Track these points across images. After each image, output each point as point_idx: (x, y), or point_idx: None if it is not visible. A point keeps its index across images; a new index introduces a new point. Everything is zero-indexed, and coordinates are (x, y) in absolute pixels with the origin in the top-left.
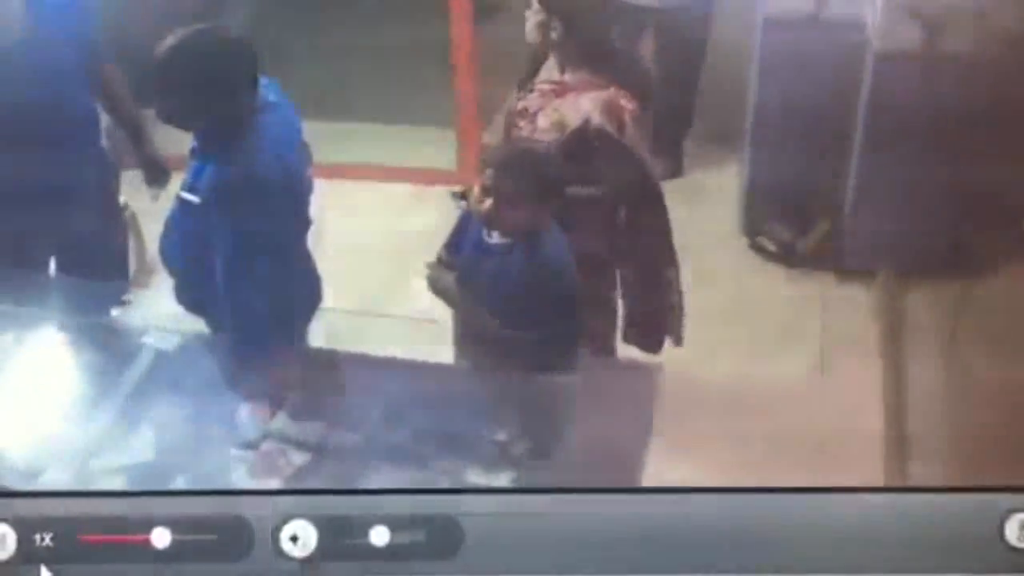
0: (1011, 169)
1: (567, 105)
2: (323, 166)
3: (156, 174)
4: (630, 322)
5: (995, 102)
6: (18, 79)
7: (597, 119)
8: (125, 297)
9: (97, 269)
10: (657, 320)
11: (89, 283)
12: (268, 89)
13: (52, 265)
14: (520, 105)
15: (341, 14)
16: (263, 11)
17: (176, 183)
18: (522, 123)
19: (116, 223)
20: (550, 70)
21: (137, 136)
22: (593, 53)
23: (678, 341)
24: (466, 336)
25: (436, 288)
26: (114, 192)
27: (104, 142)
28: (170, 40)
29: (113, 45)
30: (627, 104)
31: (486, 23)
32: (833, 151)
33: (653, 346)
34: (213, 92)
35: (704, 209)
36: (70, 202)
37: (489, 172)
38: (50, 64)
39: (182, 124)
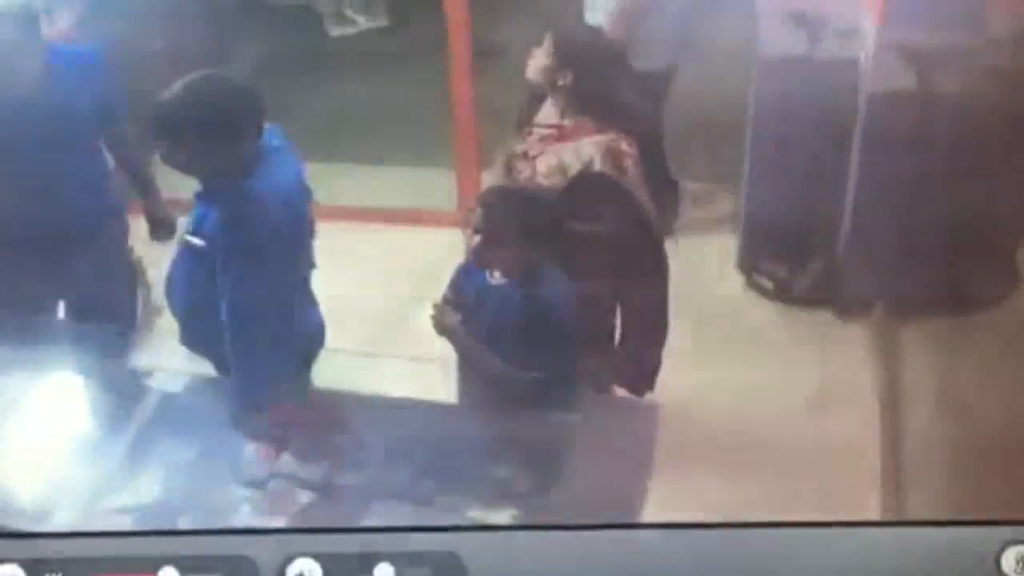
0: (1005, 206)
1: (568, 150)
2: (325, 209)
3: (161, 229)
4: (620, 363)
5: (988, 140)
6: (33, 129)
7: (599, 164)
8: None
9: (104, 315)
10: (645, 364)
11: (97, 328)
12: (271, 134)
13: (60, 310)
14: (519, 148)
15: (341, 59)
16: (265, 57)
17: (181, 227)
18: (521, 166)
19: (124, 272)
20: (548, 113)
21: (145, 191)
22: (598, 102)
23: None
24: (469, 375)
25: (441, 328)
26: (122, 241)
27: (112, 192)
28: (177, 85)
29: (121, 91)
30: (628, 149)
31: (485, 65)
32: (829, 189)
33: (640, 389)
34: (218, 137)
35: (700, 246)
36: (77, 250)
37: (477, 211)
38: (65, 116)
39: (187, 168)
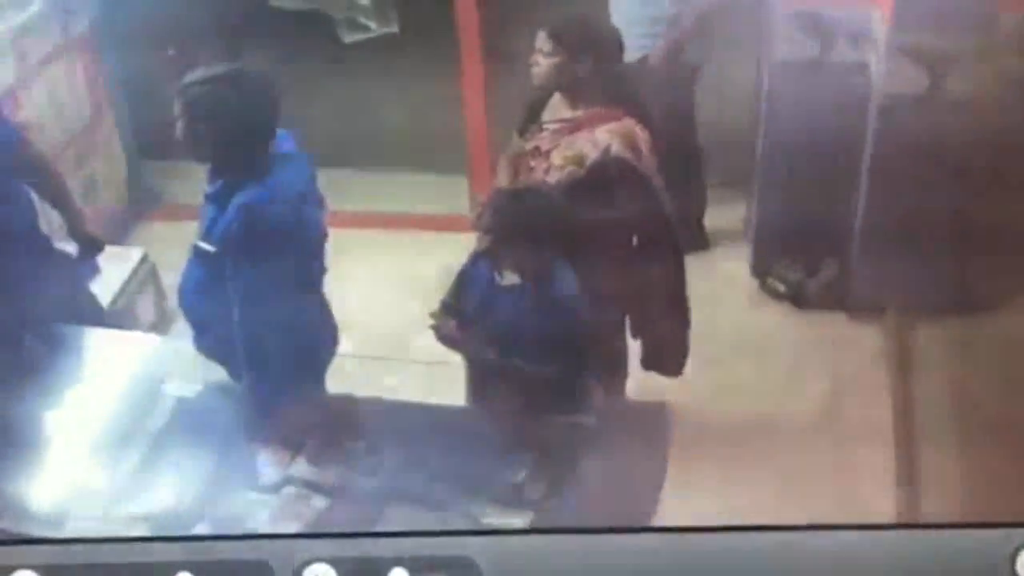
0: (1016, 208)
1: (582, 140)
2: (337, 214)
3: (89, 247)
4: (650, 348)
5: (998, 142)
6: None
7: (616, 148)
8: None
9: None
10: (678, 343)
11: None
12: (283, 139)
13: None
14: (530, 145)
15: (354, 65)
16: (278, 63)
17: (191, 232)
18: (534, 163)
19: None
20: (556, 110)
21: (65, 210)
22: (615, 84)
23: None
24: (479, 378)
25: (443, 337)
26: (67, 276)
27: (42, 225)
28: (199, 71)
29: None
30: (642, 133)
31: (498, 70)
32: (840, 192)
33: (674, 369)
34: (232, 126)
35: (713, 250)
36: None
37: (487, 214)
38: None
39: (201, 156)
